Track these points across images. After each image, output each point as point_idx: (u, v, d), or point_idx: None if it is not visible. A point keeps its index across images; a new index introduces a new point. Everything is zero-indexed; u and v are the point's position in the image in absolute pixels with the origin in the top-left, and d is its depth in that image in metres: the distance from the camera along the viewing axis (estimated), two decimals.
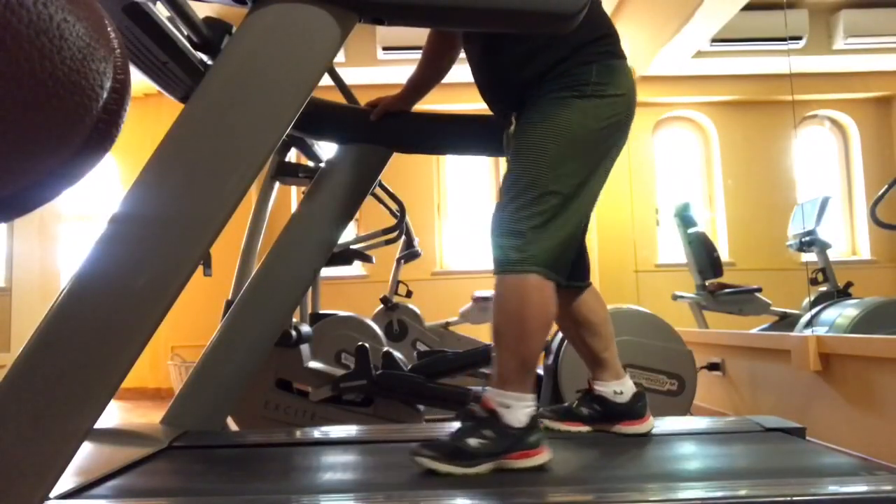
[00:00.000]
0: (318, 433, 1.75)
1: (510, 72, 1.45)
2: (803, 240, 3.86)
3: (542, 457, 1.28)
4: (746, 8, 4.13)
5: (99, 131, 0.40)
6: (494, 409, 1.29)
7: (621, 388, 1.54)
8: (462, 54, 1.70)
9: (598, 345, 1.56)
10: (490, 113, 1.65)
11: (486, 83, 1.56)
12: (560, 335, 2.72)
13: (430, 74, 1.78)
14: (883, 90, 5.70)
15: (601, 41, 1.41)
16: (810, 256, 3.89)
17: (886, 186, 3.22)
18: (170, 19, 1.29)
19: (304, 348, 2.43)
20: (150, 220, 0.97)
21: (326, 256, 1.94)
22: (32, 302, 4.41)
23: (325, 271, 3.10)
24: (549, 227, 1.32)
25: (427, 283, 5.38)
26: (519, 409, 1.29)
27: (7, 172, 0.37)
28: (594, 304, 1.58)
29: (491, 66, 1.51)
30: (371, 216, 4.51)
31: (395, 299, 4.51)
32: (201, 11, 1.29)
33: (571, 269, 1.51)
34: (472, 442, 1.25)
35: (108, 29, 0.40)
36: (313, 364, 2.45)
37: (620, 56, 1.44)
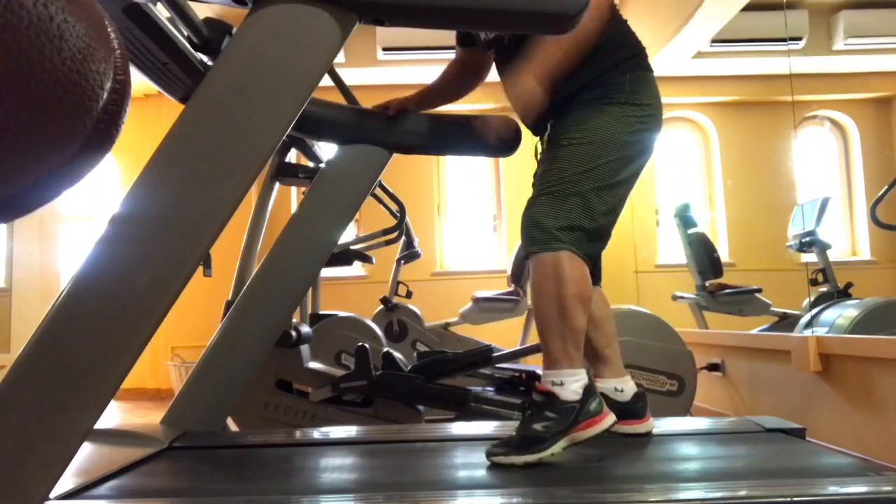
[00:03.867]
0: (318, 434, 1.75)
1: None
2: (803, 240, 3.86)
3: (607, 420, 1.36)
4: (746, 8, 4.13)
5: (99, 132, 0.40)
6: (549, 390, 1.35)
7: (622, 385, 1.55)
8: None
9: (601, 340, 1.58)
10: (490, 114, 1.66)
11: None
12: None
13: (444, 91, 1.87)
14: (883, 90, 5.70)
15: (636, 58, 1.52)
16: (810, 257, 3.89)
17: (886, 187, 3.23)
18: (170, 20, 1.29)
19: (304, 349, 2.43)
20: (151, 221, 0.97)
21: (326, 257, 1.94)
22: (32, 302, 4.42)
23: (325, 271, 3.10)
24: (578, 220, 1.41)
25: (427, 284, 5.38)
26: (571, 384, 1.35)
27: (7, 172, 0.37)
28: (599, 301, 1.61)
29: None
30: (371, 216, 4.52)
31: (395, 300, 4.50)
32: (201, 12, 1.29)
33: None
34: (538, 426, 1.31)
35: (109, 29, 0.40)
36: (313, 364, 2.45)
37: (650, 70, 1.54)
